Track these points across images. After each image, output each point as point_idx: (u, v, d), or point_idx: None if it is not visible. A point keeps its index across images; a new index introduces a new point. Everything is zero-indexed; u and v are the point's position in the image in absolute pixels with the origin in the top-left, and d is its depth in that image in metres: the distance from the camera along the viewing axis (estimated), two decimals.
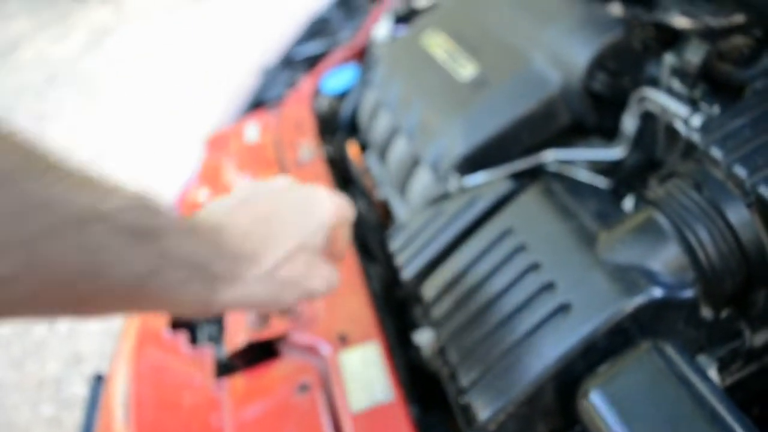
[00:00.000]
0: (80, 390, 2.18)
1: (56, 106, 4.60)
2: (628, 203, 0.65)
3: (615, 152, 0.69)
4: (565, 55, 0.72)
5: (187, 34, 5.13)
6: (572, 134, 0.75)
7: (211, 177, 1.19)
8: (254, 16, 5.07)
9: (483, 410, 0.52)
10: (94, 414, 0.89)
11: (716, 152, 0.51)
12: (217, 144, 1.28)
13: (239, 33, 4.86)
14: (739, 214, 0.51)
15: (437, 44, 0.93)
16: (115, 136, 3.87)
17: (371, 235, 0.96)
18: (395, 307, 0.81)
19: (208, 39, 4.85)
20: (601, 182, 0.71)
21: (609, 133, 0.74)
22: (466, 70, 0.82)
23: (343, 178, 1.09)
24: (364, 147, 1.10)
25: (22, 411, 2.18)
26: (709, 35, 0.62)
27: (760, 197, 0.48)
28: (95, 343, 2.35)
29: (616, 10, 0.74)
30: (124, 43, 5.50)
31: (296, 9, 1.51)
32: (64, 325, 2.48)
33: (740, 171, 0.49)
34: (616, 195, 0.69)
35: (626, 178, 0.71)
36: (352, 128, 1.18)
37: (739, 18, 0.68)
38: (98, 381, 1.01)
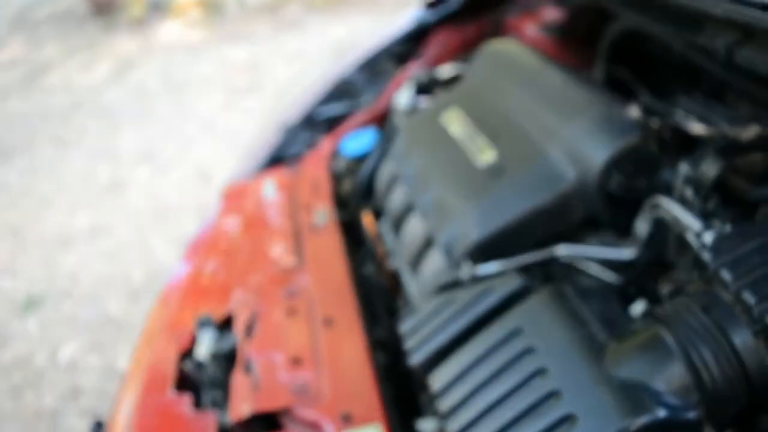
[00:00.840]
0: (76, 424, 2.17)
1: (78, 132, 4.67)
2: (638, 307, 0.66)
3: (626, 252, 0.70)
4: (582, 153, 0.74)
5: (210, 73, 5.23)
6: (585, 228, 0.76)
7: (224, 232, 1.20)
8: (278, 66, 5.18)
9: None
10: None
11: (726, 275, 0.52)
12: (234, 197, 1.30)
13: (261, 81, 4.94)
14: (744, 339, 0.52)
15: (457, 124, 0.95)
16: (131, 164, 3.92)
17: (379, 302, 0.97)
18: (398, 381, 0.82)
19: (229, 82, 4.94)
20: (611, 278, 0.72)
21: (622, 230, 0.75)
22: (485, 155, 0.84)
23: (356, 242, 1.11)
24: (378, 214, 1.12)
25: None
26: (725, 150, 0.64)
27: (766, 325, 0.49)
28: (94, 379, 2.34)
29: (635, 112, 0.76)
30: (148, 77, 5.60)
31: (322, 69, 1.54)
32: (65, 358, 2.48)
33: (749, 298, 0.50)
34: (625, 294, 0.70)
35: (636, 277, 0.72)
36: (368, 192, 1.20)
37: (754, 129, 0.70)
38: (98, 428, 1.01)
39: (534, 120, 0.84)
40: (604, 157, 0.71)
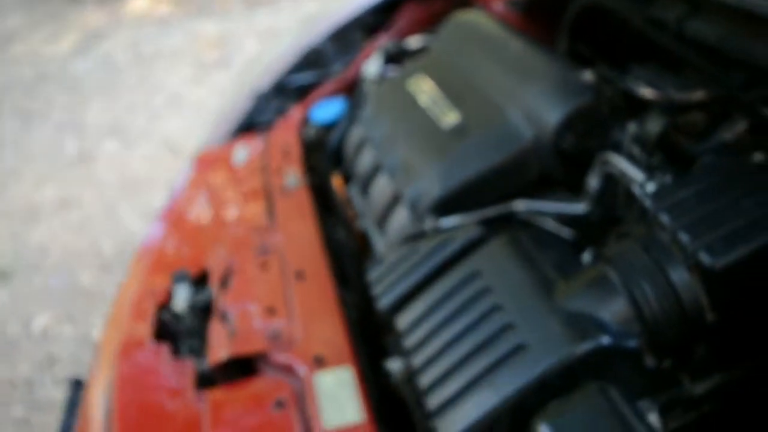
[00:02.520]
0: (52, 393, 2.19)
1: (44, 104, 4.59)
2: (587, 256, 0.71)
3: (579, 207, 0.76)
4: (539, 114, 0.79)
5: (178, 47, 5.17)
6: (541, 186, 0.81)
7: (196, 196, 1.23)
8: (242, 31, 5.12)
9: None
10: (72, 419, 0.93)
11: (664, 219, 0.58)
12: (206, 163, 1.33)
13: (229, 51, 4.89)
14: (681, 276, 0.57)
15: (423, 89, 0.99)
16: (99, 137, 3.88)
17: (349, 263, 1.01)
18: (369, 334, 0.87)
19: (198, 57, 4.89)
20: (565, 233, 0.77)
21: (575, 187, 0.80)
22: (448, 117, 0.89)
23: (325, 206, 1.15)
24: (347, 178, 1.16)
25: None
26: (669, 109, 0.69)
27: (699, 262, 0.55)
28: (69, 348, 2.36)
29: (589, 76, 0.81)
30: (115, 49, 5.51)
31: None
32: (38, 328, 2.48)
33: (684, 238, 0.56)
34: (578, 246, 0.76)
35: (588, 230, 0.77)
36: (337, 159, 1.24)
37: (700, 94, 0.76)
38: (77, 386, 1.04)
39: (495, 84, 0.89)
40: (559, 117, 0.76)
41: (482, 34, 1.03)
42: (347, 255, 1.02)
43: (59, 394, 2.18)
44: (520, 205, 0.78)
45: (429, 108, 0.94)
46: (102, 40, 5.80)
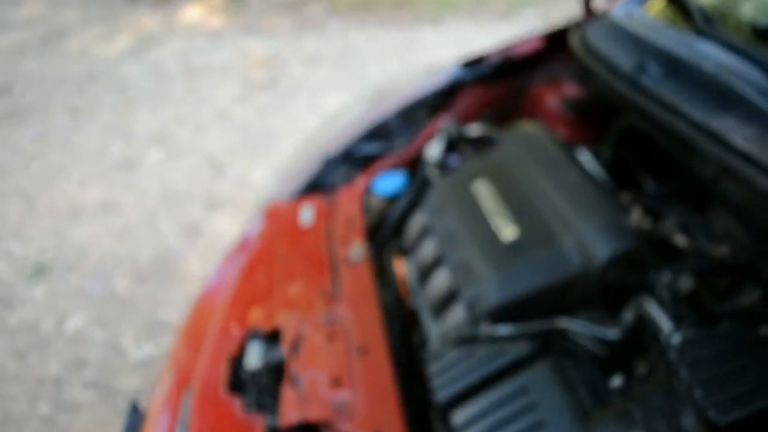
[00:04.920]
0: (79, 395, 2.31)
1: (93, 104, 4.77)
2: (616, 380, 0.84)
3: (612, 333, 0.89)
4: (588, 247, 0.92)
5: (227, 62, 5.35)
6: (584, 305, 0.94)
7: (266, 250, 1.37)
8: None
9: None
10: None
11: (684, 373, 0.71)
12: (274, 217, 1.47)
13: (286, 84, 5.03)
14: (691, 422, 0.70)
15: (486, 195, 1.13)
16: (144, 144, 4.04)
17: (399, 334, 1.14)
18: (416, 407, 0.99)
19: (245, 75, 5.05)
20: (598, 350, 0.90)
21: (612, 309, 0.94)
22: (508, 231, 1.02)
23: (379, 272, 1.28)
24: (404, 252, 1.30)
25: (19, 404, 2.30)
26: (699, 271, 0.83)
27: (708, 416, 0.68)
28: (98, 352, 2.49)
29: (635, 218, 0.94)
30: (166, 56, 5.70)
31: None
32: (71, 329, 2.61)
33: (698, 393, 0.68)
34: (607, 364, 0.89)
35: (617, 351, 0.90)
36: (395, 232, 1.37)
37: (725, 248, 0.89)
38: (134, 411, 1.17)
39: (552, 207, 1.02)
40: (606, 255, 0.90)
41: (543, 151, 1.17)
42: (396, 325, 1.15)
43: (85, 397, 2.30)
44: (564, 323, 0.91)
45: (490, 215, 1.08)
46: (153, 45, 6.01)
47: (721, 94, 1.03)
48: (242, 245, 1.45)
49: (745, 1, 1.34)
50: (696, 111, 1.01)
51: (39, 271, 2.94)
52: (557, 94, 1.66)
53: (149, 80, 5.14)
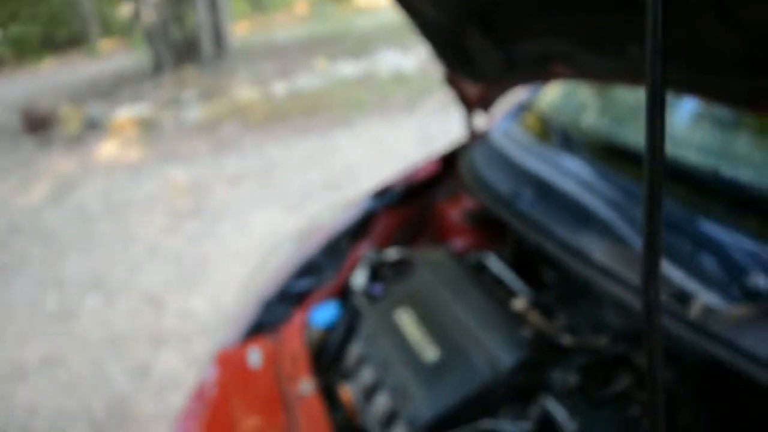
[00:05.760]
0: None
1: (20, 257, 4.76)
2: None
3: (526, 426, 1.08)
4: (496, 359, 1.13)
5: (151, 194, 5.48)
6: (503, 406, 1.14)
7: (222, 398, 1.51)
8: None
9: None
10: None
11: None
12: (225, 362, 1.62)
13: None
14: None
15: (407, 322, 1.33)
16: (79, 292, 4.06)
17: None
18: None
19: (170, 204, 5.19)
20: None
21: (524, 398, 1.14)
22: (430, 353, 1.22)
23: (331, 404, 1.44)
24: (345, 377, 1.47)
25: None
26: (584, 367, 1.04)
27: None
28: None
29: (527, 333, 1.16)
30: (88, 197, 5.77)
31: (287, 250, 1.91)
32: None
33: None
34: None
35: None
36: (336, 359, 1.55)
37: (604, 339, 1.12)
38: None
39: (463, 327, 1.23)
40: (509, 364, 1.10)
41: (450, 277, 1.39)
42: None
43: None
44: (488, 424, 1.10)
45: (414, 341, 1.27)
46: (73, 188, 6.08)
47: (579, 212, 1.29)
48: (198, 394, 1.58)
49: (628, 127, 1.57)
50: (561, 230, 1.26)
51: None
52: (459, 208, 1.91)
53: (74, 224, 5.19)
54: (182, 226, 4.77)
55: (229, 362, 1.61)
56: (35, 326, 3.80)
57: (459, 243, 1.87)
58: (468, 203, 1.91)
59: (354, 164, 5.27)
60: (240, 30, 13.04)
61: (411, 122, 6.21)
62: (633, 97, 1.63)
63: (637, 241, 1.15)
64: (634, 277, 1.09)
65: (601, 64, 1.32)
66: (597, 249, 1.17)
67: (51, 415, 3.00)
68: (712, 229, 1.07)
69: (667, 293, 1.02)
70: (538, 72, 1.56)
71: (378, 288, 1.65)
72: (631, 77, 1.26)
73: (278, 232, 4.15)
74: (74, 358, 3.41)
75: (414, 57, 8.46)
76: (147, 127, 7.43)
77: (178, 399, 2.82)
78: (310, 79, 8.21)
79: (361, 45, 9.50)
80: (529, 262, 1.62)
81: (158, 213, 5.12)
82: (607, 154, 1.49)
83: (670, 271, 1.03)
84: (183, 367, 3.08)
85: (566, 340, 1.12)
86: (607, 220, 1.22)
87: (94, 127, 7.57)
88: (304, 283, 1.78)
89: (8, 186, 6.44)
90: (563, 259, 1.17)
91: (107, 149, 7.11)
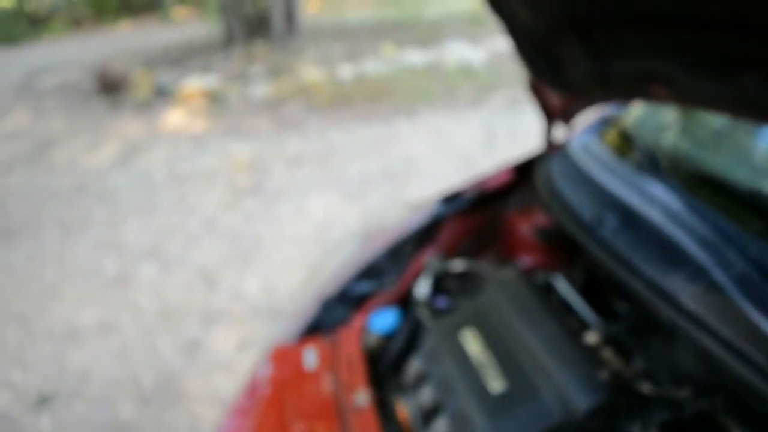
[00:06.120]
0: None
1: (83, 218, 4.89)
2: None
3: None
4: (569, 400, 1.06)
5: (213, 168, 5.53)
6: None
7: (276, 397, 1.48)
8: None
9: None
10: None
11: None
12: (279, 360, 1.59)
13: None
14: None
15: (473, 345, 1.27)
16: (137, 259, 4.14)
17: None
18: None
19: (231, 180, 5.22)
20: None
21: None
22: (496, 383, 1.16)
23: (386, 419, 1.40)
24: (403, 391, 1.42)
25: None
26: (665, 421, 0.97)
27: None
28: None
29: (604, 375, 1.09)
30: (152, 165, 5.88)
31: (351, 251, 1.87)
32: None
33: None
34: None
35: None
36: (394, 369, 1.50)
37: (687, 390, 1.04)
38: None
39: (533, 358, 1.17)
40: (585, 407, 1.03)
41: (521, 302, 1.32)
42: None
43: None
44: None
45: (479, 365, 1.22)
46: (139, 153, 6.21)
47: (668, 249, 1.20)
48: (251, 390, 1.56)
49: (713, 153, 1.48)
50: (647, 267, 1.18)
51: (43, 401, 2.98)
52: (530, 223, 1.83)
53: (137, 190, 5.30)
54: (240, 204, 4.81)
55: (284, 360, 1.59)
56: (93, 290, 3.89)
57: (527, 259, 1.79)
58: (540, 218, 1.83)
59: (415, 157, 5.20)
60: (312, 8, 13.06)
61: (476, 118, 6.08)
62: (718, 120, 1.51)
63: (732, 290, 1.06)
64: (727, 329, 1.01)
65: (707, 91, 1.22)
66: (687, 293, 1.09)
67: (101, 383, 3.07)
68: None
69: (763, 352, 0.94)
70: (633, 90, 1.46)
71: (442, 300, 1.59)
72: (744, 109, 1.16)
73: (334, 221, 4.13)
74: (128, 327, 3.47)
75: (483, 50, 8.29)
76: (213, 99, 7.52)
77: (225, 382, 2.84)
78: (376, 64, 8.15)
79: (430, 33, 9.37)
80: (598, 288, 1.54)
81: (218, 188, 5.17)
82: (696, 183, 1.39)
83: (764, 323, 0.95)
84: (232, 350, 3.10)
85: (645, 387, 1.04)
86: (700, 263, 1.13)
87: (162, 95, 7.71)
88: (365, 286, 1.74)
89: (79, 145, 6.62)
90: (648, 298, 1.09)
91: (174, 118, 7.23)
